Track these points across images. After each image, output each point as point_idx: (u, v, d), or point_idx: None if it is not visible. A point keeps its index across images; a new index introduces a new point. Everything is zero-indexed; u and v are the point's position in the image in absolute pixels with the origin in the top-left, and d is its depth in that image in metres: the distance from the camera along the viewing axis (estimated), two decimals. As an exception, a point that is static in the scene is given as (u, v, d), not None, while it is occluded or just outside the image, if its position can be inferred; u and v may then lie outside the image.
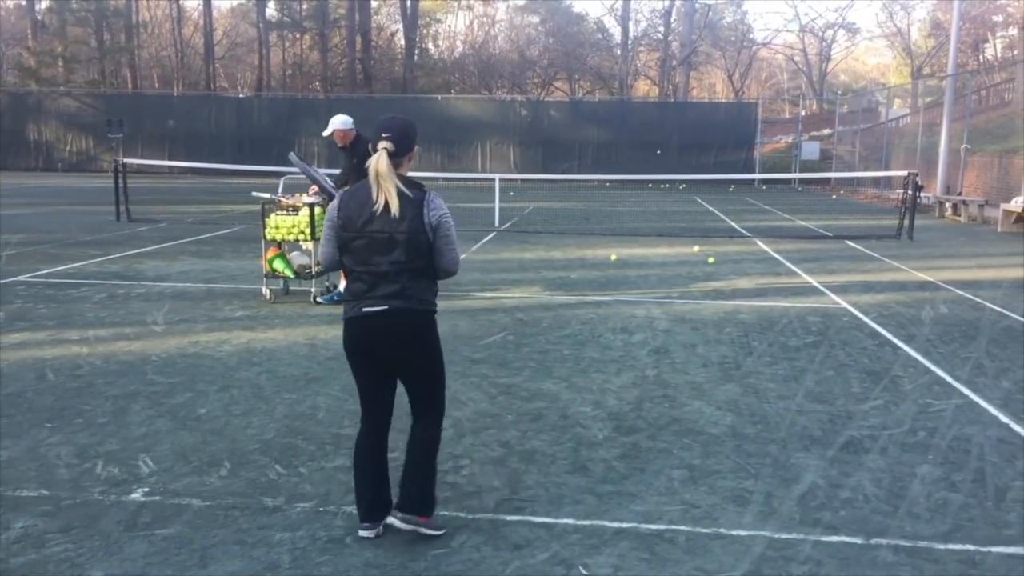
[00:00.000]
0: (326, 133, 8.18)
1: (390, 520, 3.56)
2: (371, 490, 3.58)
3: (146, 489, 4.02)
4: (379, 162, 3.37)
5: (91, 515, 3.75)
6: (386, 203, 3.34)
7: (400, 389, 3.67)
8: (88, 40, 44.59)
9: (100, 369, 6.00)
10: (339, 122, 8.08)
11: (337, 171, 8.73)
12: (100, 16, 43.14)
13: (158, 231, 14.44)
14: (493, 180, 17.90)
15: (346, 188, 3.44)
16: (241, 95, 44.59)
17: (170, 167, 31.86)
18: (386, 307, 3.41)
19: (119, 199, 15.75)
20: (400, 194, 3.36)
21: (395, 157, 3.41)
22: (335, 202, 3.51)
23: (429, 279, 3.51)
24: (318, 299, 8.36)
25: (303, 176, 8.21)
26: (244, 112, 37.05)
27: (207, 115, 36.26)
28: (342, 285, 8.32)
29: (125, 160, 16.70)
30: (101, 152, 35.34)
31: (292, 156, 7.90)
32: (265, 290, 8.58)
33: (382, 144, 3.40)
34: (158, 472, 4.23)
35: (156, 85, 47.74)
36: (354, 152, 8.03)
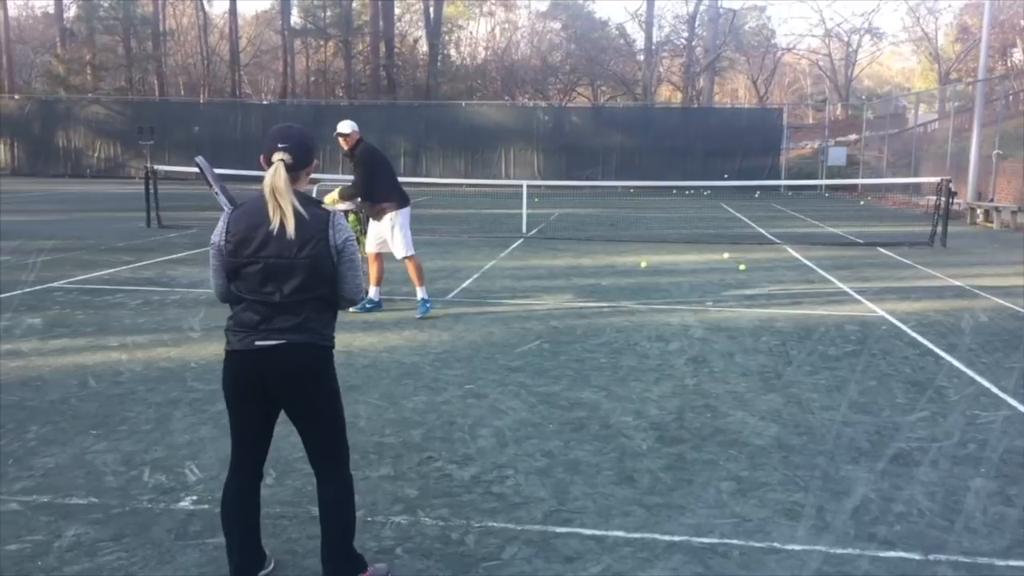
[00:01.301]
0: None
1: None
2: (240, 542, 3.17)
3: (194, 497, 4.03)
4: (276, 176, 2.94)
5: (141, 523, 3.75)
6: (282, 224, 2.93)
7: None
8: (116, 48, 45.06)
9: (141, 376, 6.03)
10: (345, 127, 8.13)
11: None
12: (128, 24, 43.60)
13: (188, 237, 14.54)
14: (519, 187, 17.89)
15: (239, 207, 3.11)
16: (266, 102, 44.90)
17: (196, 173, 32.18)
18: (283, 341, 2.98)
19: (150, 205, 15.88)
20: (297, 214, 2.95)
21: (293, 171, 3.00)
22: (220, 224, 3.07)
23: (332, 310, 3.13)
24: (349, 308, 8.32)
25: (333, 183, 8.30)
26: (269, 119, 37.21)
27: (233, 121, 36.54)
28: (373, 292, 8.31)
29: (155, 167, 16.82)
30: (129, 159, 35.70)
31: (199, 160, 7.50)
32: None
33: (278, 155, 2.98)
34: (204, 480, 4.23)
35: (182, 92, 48.19)
36: (359, 159, 8.08)
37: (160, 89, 44.98)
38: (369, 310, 8.23)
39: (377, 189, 8.09)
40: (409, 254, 8.09)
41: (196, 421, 5.10)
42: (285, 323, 2.99)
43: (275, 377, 3.02)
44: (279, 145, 3.01)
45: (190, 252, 12.63)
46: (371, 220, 8.30)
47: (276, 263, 2.95)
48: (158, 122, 33.37)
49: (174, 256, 12.16)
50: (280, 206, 2.94)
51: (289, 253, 2.94)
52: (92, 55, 43.62)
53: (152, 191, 15.91)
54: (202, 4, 48.35)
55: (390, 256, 8.29)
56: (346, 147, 8.17)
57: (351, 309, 8.23)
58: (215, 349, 6.82)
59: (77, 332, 7.34)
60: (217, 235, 3.08)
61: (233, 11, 44.57)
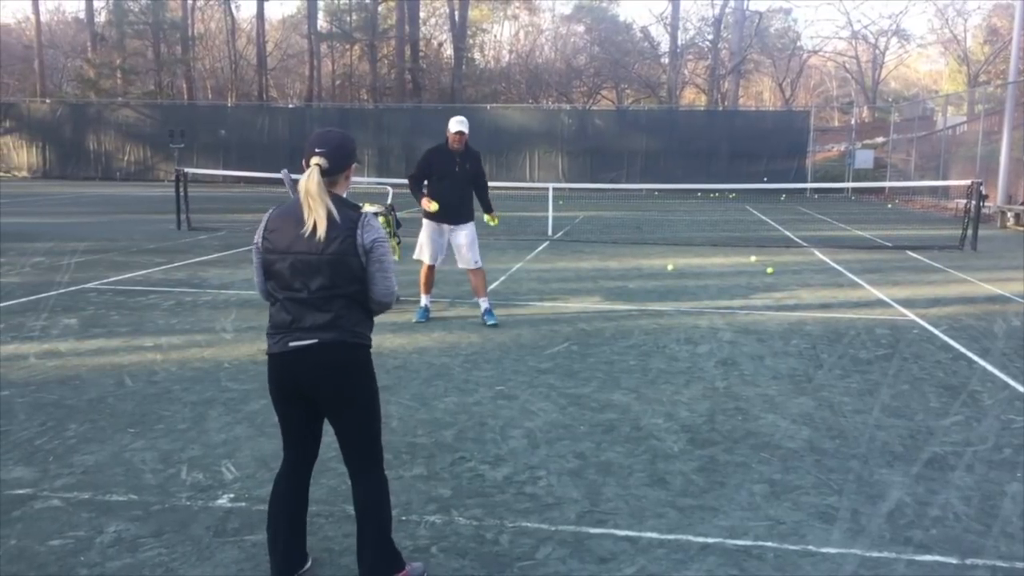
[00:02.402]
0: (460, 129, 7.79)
1: None
2: (285, 540, 3.21)
3: (231, 495, 4.08)
4: (309, 180, 3.00)
5: (181, 520, 3.81)
6: (315, 225, 2.98)
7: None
8: (145, 52, 45.67)
9: (176, 376, 6.12)
10: (465, 125, 7.79)
11: (392, 180, 8.68)
12: (157, 29, 44.16)
13: (218, 239, 14.70)
14: (545, 189, 17.92)
15: (278, 207, 3.16)
16: (292, 105, 45.26)
17: (224, 176, 32.48)
18: (315, 340, 3.02)
19: (179, 208, 16.07)
20: (330, 215, 2.98)
21: (329, 175, 3.05)
22: (261, 223, 3.17)
23: (364, 309, 3.13)
24: (488, 322, 8.03)
25: (363, 185, 8.21)
26: (295, 122, 37.58)
27: (260, 125, 36.86)
28: (424, 300, 8.24)
29: (184, 169, 17.02)
30: (158, 161, 36.14)
31: (284, 173, 7.31)
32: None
33: (314, 160, 3.03)
34: (241, 479, 4.29)
35: (210, 96, 48.69)
36: (478, 160, 8.04)
37: (189, 93, 45.49)
38: (424, 320, 8.15)
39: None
40: (480, 264, 8.05)
41: (231, 420, 5.16)
42: (315, 321, 3.02)
43: (309, 377, 3.06)
44: (316, 150, 3.06)
45: (220, 254, 12.76)
46: (431, 229, 7.97)
47: (303, 259, 3.00)
48: (187, 125, 33.77)
49: (204, 258, 12.30)
50: (313, 208, 2.99)
51: (316, 250, 2.98)
52: (122, 59, 44.19)
53: (182, 193, 16.09)
54: (230, 8, 48.81)
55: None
56: (460, 146, 7.83)
57: (413, 319, 8.11)
58: (247, 350, 6.90)
59: (112, 332, 7.45)
60: (257, 234, 3.17)
61: (260, 15, 44.97)
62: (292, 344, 3.04)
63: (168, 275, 10.67)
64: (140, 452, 4.62)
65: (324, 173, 3.03)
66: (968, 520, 3.90)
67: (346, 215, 3.04)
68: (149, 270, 11.03)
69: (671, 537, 3.72)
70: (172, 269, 11.19)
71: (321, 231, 2.97)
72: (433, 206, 7.70)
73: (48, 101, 40.13)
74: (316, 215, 2.98)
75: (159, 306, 8.67)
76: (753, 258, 13.03)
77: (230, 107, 40.88)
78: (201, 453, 4.62)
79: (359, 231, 3.02)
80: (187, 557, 3.49)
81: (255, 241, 3.18)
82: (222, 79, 50.12)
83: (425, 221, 8.01)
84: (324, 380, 3.07)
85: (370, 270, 3.06)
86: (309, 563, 3.41)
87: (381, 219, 8.51)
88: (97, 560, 3.46)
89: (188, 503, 3.99)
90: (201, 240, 14.55)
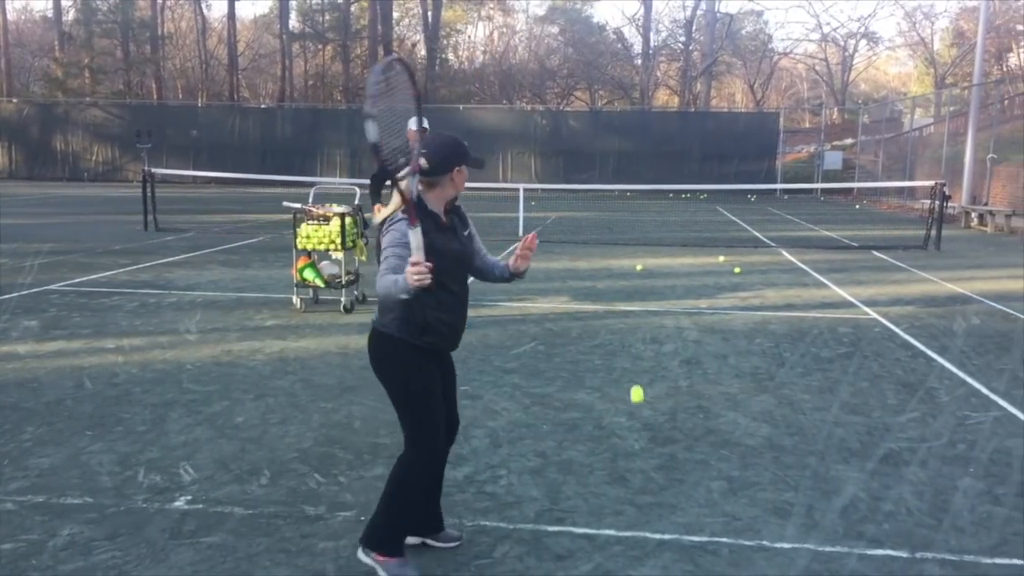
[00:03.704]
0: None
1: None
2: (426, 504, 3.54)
3: (188, 497, 4.06)
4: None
5: (136, 523, 3.78)
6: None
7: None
8: (114, 51, 45.21)
9: (137, 377, 6.06)
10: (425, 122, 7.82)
11: (364, 181, 8.66)
12: (126, 28, 43.72)
13: (186, 240, 14.57)
14: (516, 190, 17.94)
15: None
16: (263, 106, 44.95)
17: (194, 177, 32.21)
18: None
19: (147, 209, 15.91)
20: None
21: (429, 175, 3.22)
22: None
23: (396, 301, 3.19)
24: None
25: (331, 186, 8.19)
26: (267, 122, 37.37)
27: (231, 125, 36.61)
28: None
29: (152, 170, 16.86)
30: (127, 162, 35.80)
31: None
32: (295, 299, 8.63)
33: (420, 160, 3.20)
34: (199, 480, 4.26)
35: (180, 96, 48.24)
36: None
37: (158, 93, 45.06)
38: None
39: None
40: None
41: (192, 422, 5.12)
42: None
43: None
44: (421, 151, 3.23)
45: (187, 255, 12.66)
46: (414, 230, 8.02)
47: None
48: (156, 126, 33.43)
49: (171, 259, 12.19)
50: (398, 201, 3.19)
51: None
52: (90, 59, 43.71)
53: (149, 194, 15.94)
54: (200, 8, 48.43)
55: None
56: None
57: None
58: (211, 351, 6.86)
59: (73, 334, 7.37)
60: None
61: (231, 15, 44.67)
62: None
63: (133, 276, 10.57)
64: (97, 455, 4.58)
65: (423, 172, 3.20)
66: (920, 514, 3.96)
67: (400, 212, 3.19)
68: (113, 271, 10.91)
69: (628, 534, 3.74)
70: (137, 270, 11.08)
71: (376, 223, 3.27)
72: (380, 215, 7.76)
73: (15, 101, 39.59)
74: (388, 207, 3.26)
75: (122, 308, 8.58)
76: (721, 258, 13.13)
77: (201, 107, 40.56)
78: (160, 455, 4.59)
79: (380, 233, 3.28)
80: (141, 559, 3.46)
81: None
82: (193, 79, 49.71)
83: None
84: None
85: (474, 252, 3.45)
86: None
87: (348, 220, 8.49)
88: (49, 564, 3.42)
89: (144, 505, 3.96)
90: (168, 241, 14.42)
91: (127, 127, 35.21)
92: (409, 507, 3.36)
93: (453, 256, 3.29)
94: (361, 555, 3.38)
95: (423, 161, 3.18)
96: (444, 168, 3.24)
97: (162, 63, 46.64)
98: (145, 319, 8.06)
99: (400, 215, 3.18)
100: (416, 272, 2.93)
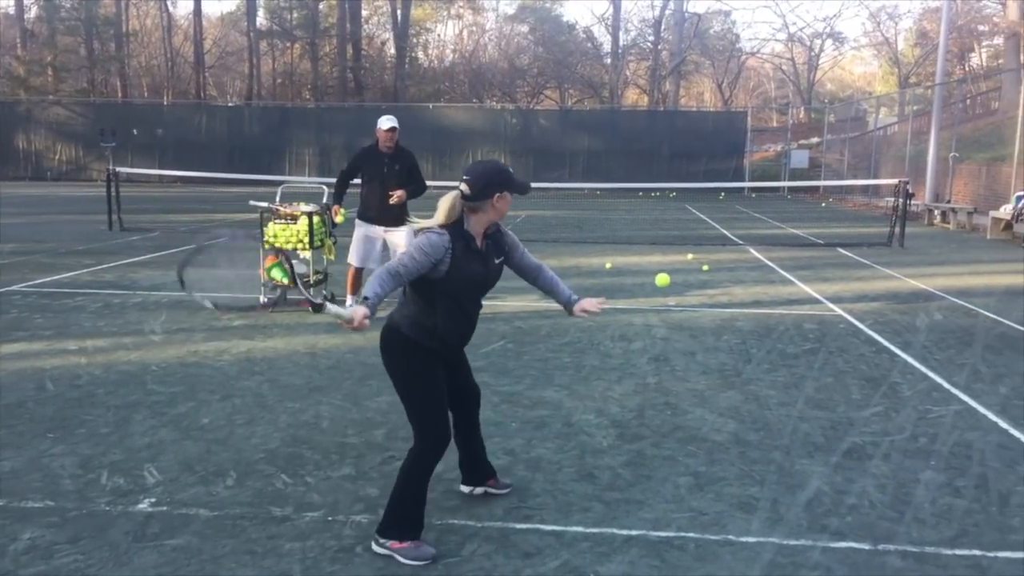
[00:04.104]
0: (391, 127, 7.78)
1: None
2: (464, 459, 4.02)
3: (153, 499, 4.01)
4: (447, 196, 3.51)
5: (99, 526, 3.73)
6: None
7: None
8: (78, 49, 44.48)
9: (100, 379, 5.98)
10: (395, 121, 7.80)
11: (333, 180, 8.58)
12: (90, 25, 43.05)
13: (151, 240, 14.40)
14: (451, 192, 17.92)
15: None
16: (231, 104, 44.51)
17: (160, 176, 31.82)
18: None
19: (111, 208, 15.70)
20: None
21: (470, 200, 3.46)
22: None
23: (415, 304, 3.55)
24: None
25: (299, 185, 8.12)
26: (234, 121, 37.02)
27: (198, 123, 36.22)
28: (349, 301, 8.16)
29: (117, 169, 16.63)
30: (91, 161, 35.26)
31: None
32: (263, 299, 8.56)
33: (461, 185, 3.49)
34: (164, 482, 4.21)
35: (145, 94, 47.63)
36: (411, 157, 7.94)
37: (123, 91, 44.45)
38: None
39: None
40: None
41: (156, 424, 5.07)
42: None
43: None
44: (464, 176, 3.48)
45: (152, 255, 12.51)
46: (364, 231, 7.93)
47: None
48: (121, 124, 32.99)
49: (136, 259, 12.04)
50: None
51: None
52: (53, 56, 43.00)
53: (114, 194, 15.72)
54: (166, 5, 47.89)
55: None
56: (391, 145, 7.78)
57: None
58: (176, 352, 6.78)
59: (35, 336, 7.25)
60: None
61: (198, 12, 44.16)
62: None
63: (97, 277, 10.42)
64: (59, 457, 4.51)
65: (465, 197, 3.44)
66: (882, 507, 4.02)
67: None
68: (77, 272, 10.75)
69: (596, 531, 3.76)
70: (101, 271, 10.93)
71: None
72: (339, 218, 7.89)
73: (-25, 99, 38.83)
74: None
75: (86, 308, 8.46)
76: (690, 256, 13.23)
77: (166, 105, 40.10)
78: (123, 457, 4.53)
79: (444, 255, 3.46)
80: (104, 563, 3.42)
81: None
82: (158, 77, 49.08)
83: (357, 222, 7.96)
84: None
85: (522, 265, 3.82)
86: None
87: (316, 219, 8.43)
88: (9, 568, 3.36)
89: (107, 508, 3.91)
90: (133, 241, 14.24)
91: (91, 126, 34.68)
92: (418, 495, 3.54)
93: (473, 279, 3.57)
94: (376, 548, 3.51)
95: (464, 187, 3.42)
96: (485, 194, 3.46)
97: (127, 61, 46.00)
98: (109, 320, 7.95)
99: (437, 230, 3.48)
100: (355, 324, 3.26)
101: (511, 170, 3.61)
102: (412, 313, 3.55)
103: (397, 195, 7.68)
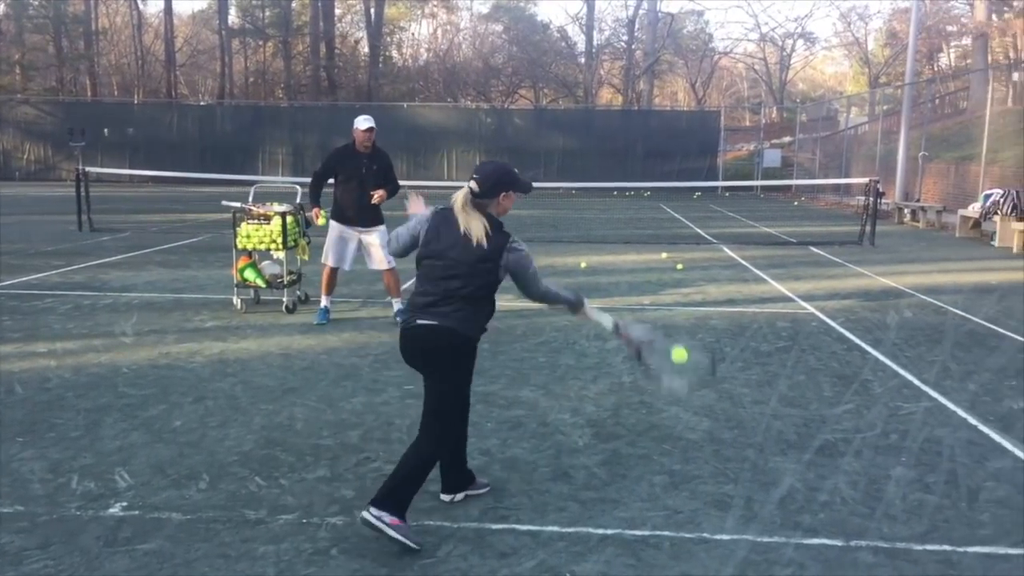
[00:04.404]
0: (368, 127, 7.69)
1: (364, 513, 3.56)
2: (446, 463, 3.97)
3: (124, 503, 3.96)
4: (457, 196, 3.66)
5: (69, 531, 3.68)
6: (465, 233, 3.59)
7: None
8: (46, 47, 43.87)
9: (70, 382, 5.90)
10: (372, 121, 7.71)
11: (307, 179, 8.50)
12: (58, 23, 42.48)
13: (122, 241, 14.24)
14: (461, 188, 17.91)
15: (441, 209, 3.74)
16: (203, 103, 44.10)
17: (131, 175, 31.47)
18: (436, 322, 3.64)
19: (81, 208, 15.50)
20: (480, 229, 3.59)
21: (479, 197, 3.63)
22: (427, 214, 3.74)
23: (473, 308, 3.68)
24: (396, 319, 7.84)
25: (272, 185, 8.02)
26: (206, 120, 36.69)
27: (168, 123, 35.85)
28: (324, 301, 8.05)
29: (87, 168, 16.43)
30: (60, 160, 34.79)
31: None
32: (236, 300, 8.50)
33: (469, 182, 3.66)
34: (135, 486, 4.17)
35: (116, 93, 47.05)
36: (386, 157, 7.87)
37: (93, 90, 43.90)
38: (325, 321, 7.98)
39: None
40: (393, 264, 7.85)
41: (127, 427, 5.01)
42: (441, 309, 3.62)
43: (426, 349, 3.71)
44: (473, 175, 3.68)
45: (123, 256, 12.37)
46: (339, 231, 7.83)
47: (454, 261, 3.60)
48: (90, 123, 32.58)
49: (106, 260, 11.90)
50: (462, 222, 3.61)
51: (463, 260, 3.59)
52: (21, 55, 42.39)
53: (83, 194, 15.53)
54: (136, 3, 47.35)
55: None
56: (368, 145, 7.68)
57: (397, 319, 7.88)
58: (147, 354, 6.71)
59: (3, 338, 7.14)
60: (423, 219, 3.73)
61: (168, 10, 43.72)
62: (419, 322, 3.67)
63: (66, 278, 10.28)
64: (28, 462, 4.45)
65: (474, 195, 3.63)
66: (854, 504, 4.06)
67: (493, 239, 3.62)
68: (46, 273, 10.61)
69: (571, 530, 3.77)
70: (71, 272, 10.78)
71: (468, 242, 3.58)
72: (321, 220, 7.81)
73: (-60, 97, 38.19)
74: (467, 225, 3.60)
75: (55, 310, 8.35)
76: (664, 255, 13.29)
77: (137, 104, 39.64)
78: (94, 461, 4.47)
79: (505, 254, 3.63)
80: (75, 569, 3.37)
81: (421, 219, 3.74)
82: (128, 75, 48.49)
83: (332, 223, 7.90)
84: (433, 354, 3.72)
85: (523, 282, 3.75)
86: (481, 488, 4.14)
87: (290, 219, 8.38)
88: (-23, 575, 3.32)
89: (78, 513, 3.86)
90: (103, 242, 14.07)
91: (60, 125, 34.25)
92: (423, 480, 3.70)
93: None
94: (370, 517, 3.52)
95: (473, 184, 3.62)
96: (493, 193, 3.67)
97: (96, 59, 45.43)
98: (79, 322, 7.86)
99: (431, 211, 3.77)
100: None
101: (516, 171, 3.82)
102: (483, 320, 3.74)
103: (378, 195, 7.64)
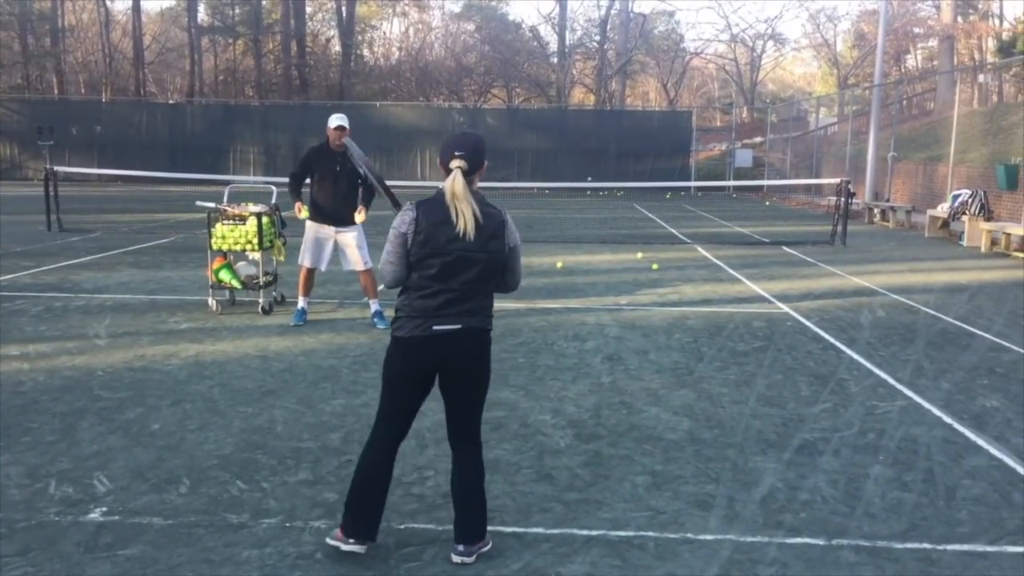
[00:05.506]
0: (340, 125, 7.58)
1: (456, 559, 3.47)
2: (371, 507, 3.49)
3: (104, 508, 3.92)
4: (455, 183, 3.31)
5: (49, 537, 3.63)
6: (463, 218, 3.30)
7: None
8: (12, 44, 43.05)
9: (44, 385, 5.81)
10: (345, 119, 7.60)
11: (280, 179, 8.42)
12: (24, 20, 41.73)
13: (92, 241, 14.04)
14: (434, 188, 17.86)
15: (425, 201, 3.39)
16: (172, 101, 43.59)
17: (99, 175, 31.03)
18: (459, 326, 3.37)
19: (49, 208, 15.26)
20: (475, 216, 3.32)
21: (468, 175, 3.35)
22: (408, 216, 3.36)
23: (491, 300, 3.52)
24: (378, 325, 7.78)
25: (247, 185, 7.93)
26: (176, 118, 36.23)
27: (138, 121, 35.38)
28: (302, 302, 7.98)
29: (55, 168, 16.18)
30: (27, 159, 34.19)
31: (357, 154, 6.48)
32: (211, 301, 8.41)
33: (455, 163, 3.33)
34: (115, 491, 4.11)
35: (83, 91, 46.37)
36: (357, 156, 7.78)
37: (59, 87, 43.23)
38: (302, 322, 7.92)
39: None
40: (370, 265, 7.78)
41: (104, 431, 4.94)
42: (460, 309, 3.36)
43: (452, 357, 3.41)
44: (456, 153, 3.35)
45: (94, 256, 12.20)
46: (315, 231, 7.80)
47: (462, 256, 3.32)
48: (58, 121, 32.01)
49: (77, 260, 11.73)
50: (461, 210, 3.29)
51: (473, 248, 3.31)
52: (-15, 51, 41.61)
53: (52, 193, 15.29)
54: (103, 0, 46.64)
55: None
56: (341, 143, 7.47)
57: (379, 326, 7.82)
58: (122, 356, 6.63)
59: (-27, 341, 7.02)
60: (403, 225, 3.36)
61: (136, 7, 43.17)
62: (436, 328, 3.35)
63: (36, 279, 10.12)
64: (4, 467, 4.38)
65: (464, 173, 3.33)
66: (834, 502, 4.11)
67: (488, 214, 3.37)
68: (16, 274, 10.43)
69: (556, 531, 3.78)
70: (41, 273, 10.62)
71: (471, 230, 3.30)
72: (303, 213, 7.69)
73: (-99, 95, 37.40)
74: (465, 216, 3.30)
75: (26, 312, 8.21)
76: (639, 254, 13.36)
77: (105, 103, 39.08)
78: (71, 466, 4.41)
79: (506, 233, 3.41)
80: (55, 575, 3.33)
81: (401, 231, 3.36)
82: (96, 73, 47.76)
83: (308, 223, 7.84)
84: (463, 360, 3.45)
85: (510, 264, 3.48)
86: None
87: (265, 219, 8.31)
88: (-46, 584, 3.26)
89: (57, 518, 3.81)
90: (73, 242, 13.87)
91: (26, 123, 33.64)
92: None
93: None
94: (468, 559, 3.47)
95: (462, 163, 3.33)
96: (479, 163, 3.41)
97: (63, 57, 44.70)
98: (51, 324, 7.74)
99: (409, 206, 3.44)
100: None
101: None
102: (490, 307, 3.52)
103: (360, 218, 7.68)
